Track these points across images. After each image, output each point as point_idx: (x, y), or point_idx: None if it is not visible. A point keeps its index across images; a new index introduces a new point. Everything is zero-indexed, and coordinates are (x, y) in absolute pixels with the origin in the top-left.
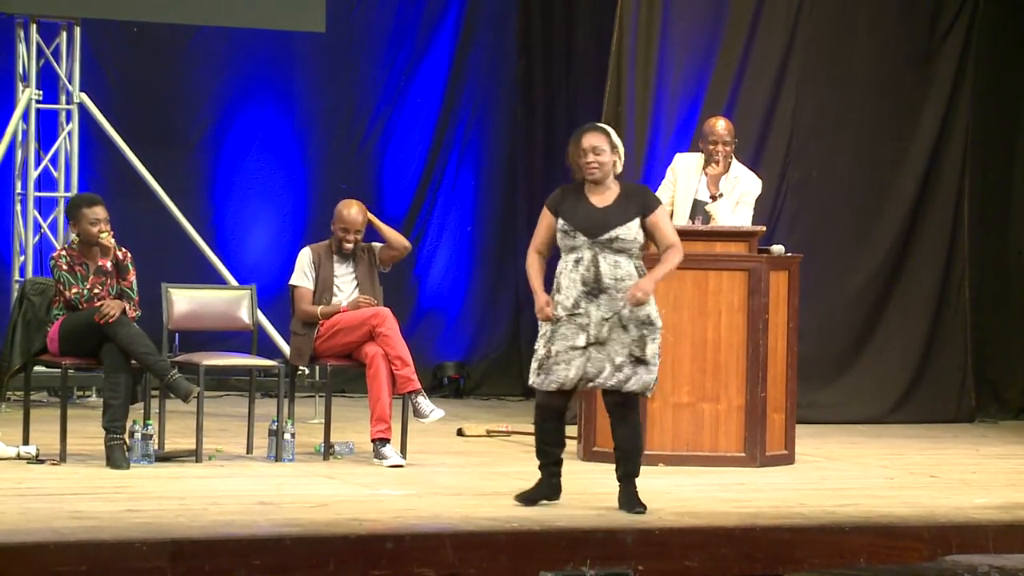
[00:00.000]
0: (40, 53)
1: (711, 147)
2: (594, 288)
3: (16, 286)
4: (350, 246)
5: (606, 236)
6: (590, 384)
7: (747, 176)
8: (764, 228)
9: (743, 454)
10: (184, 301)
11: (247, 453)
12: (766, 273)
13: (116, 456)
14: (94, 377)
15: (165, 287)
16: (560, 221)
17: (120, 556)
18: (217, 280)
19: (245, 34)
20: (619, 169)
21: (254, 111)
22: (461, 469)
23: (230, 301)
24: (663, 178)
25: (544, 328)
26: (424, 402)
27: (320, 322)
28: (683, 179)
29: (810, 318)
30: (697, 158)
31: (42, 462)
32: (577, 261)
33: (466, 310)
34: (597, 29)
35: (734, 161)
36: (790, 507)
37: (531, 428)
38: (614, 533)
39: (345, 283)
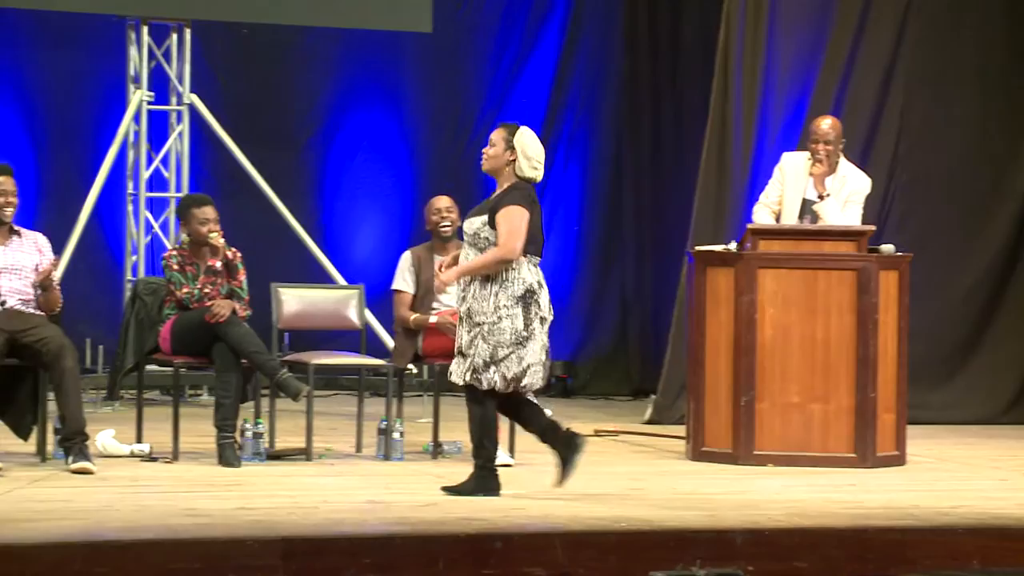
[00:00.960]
0: (151, 55)
1: (814, 146)
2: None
3: (128, 286)
4: (448, 229)
5: (465, 230)
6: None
7: (855, 175)
8: (874, 227)
9: (853, 455)
10: (293, 301)
11: (356, 452)
12: (876, 273)
13: (228, 454)
14: (206, 376)
15: (274, 287)
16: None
17: (232, 554)
18: (326, 280)
19: (353, 35)
20: (524, 172)
21: (362, 111)
22: None
23: (339, 301)
24: (770, 176)
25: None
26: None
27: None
28: (791, 178)
29: (920, 318)
30: (805, 157)
31: (155, 460)
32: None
33: (573, 310)
34: (704, 26)
35: (842, 160)
36: (902, 508)
37: (641, 428)
38: (724, 533)
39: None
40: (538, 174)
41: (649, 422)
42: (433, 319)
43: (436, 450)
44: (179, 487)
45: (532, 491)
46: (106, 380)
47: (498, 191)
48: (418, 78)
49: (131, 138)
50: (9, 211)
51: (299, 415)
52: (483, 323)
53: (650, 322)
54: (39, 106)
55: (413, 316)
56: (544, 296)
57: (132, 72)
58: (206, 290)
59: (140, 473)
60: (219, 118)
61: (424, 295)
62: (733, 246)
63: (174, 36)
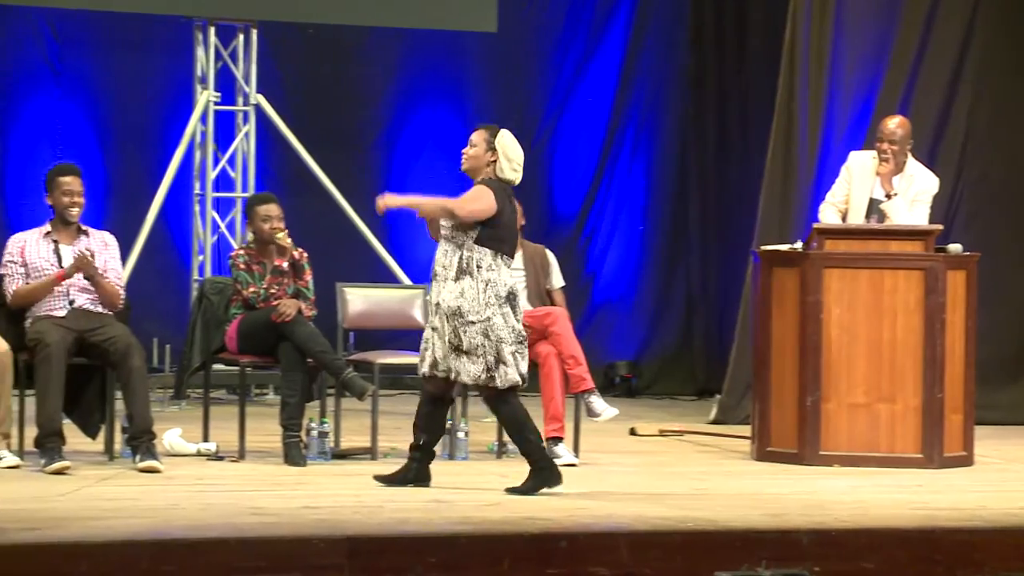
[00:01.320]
0: (218, 55)
1: (880, 145)
2: (432, 274)
3: (195, 286)
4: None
5: (442, 223)
6: (440, 371)
7: (923, 174)
8: (941, 227)
9: (920, 455)
10: (359, 300)
11: None
12: (943, 272)
13: (293, 453)
14: (271, 375)
15: (340, 286)
16: None
17: (298, 552)
18: (391, 279)
19: (417, 34)
20: (504, 174)
21: (426, 110)
22: (634, 468)
23: (404, 300)
24: (837, 175)
25: None
26: (598, 401)
27: None
28: (858, 178)
29: (987, 319)
30: (872, 156)
31: (221, 459)
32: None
33: (638, 309)
34: (769, 24)
35: (910, 159)
36: (970, 509)
37: (706, 428)
38: (789, 533)
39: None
40: (517, 177)
41: (714, 422)
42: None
43: (500, 449)
44: (245, 486)
45: (597, 491)
46: (173, 379)
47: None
48: (482, 77)
49: (198, 138)
50: (76, 211)
51: (364, 414)
52: (477, 321)
53: (715, 322)
54: (107, 106)
55: None
56: (519, 304)
57: (199, 73)
58: (272, 290)
59: (206, 472)
60: (285, 118)
61: None
62: (799, 245)
63: (241, 37)
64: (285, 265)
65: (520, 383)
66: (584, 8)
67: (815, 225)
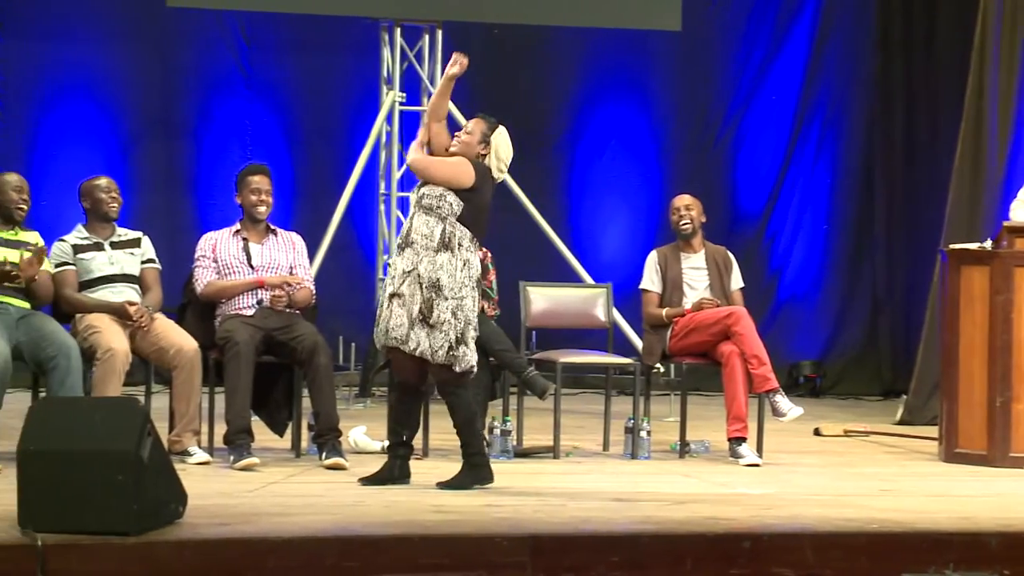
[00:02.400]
0: (403, 56)
1: None
2: (403, 241)
3: (380, 284)
4: (688, 226)
5: (419, 191)
6: (391, 339)
7: None
8: None
9: None
10: (541, 299)
11: (603, 450)
12: None
13: None
14: None
15: (523, 285)
16: None
17: (481, 550)
18: (573, 278)
19: (601, 33)
20: (492, 170)
21: (609, 110)
22: (819, 469)
23: (586, 299)
24: None
25: None
26: (783, 400)
27: (674, 321)
28: None
29: None
30: None
31: None
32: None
33: (822, 309)
34: (959, 24)
35: None
36: None
37: (892, 428)
38: (978, 536)
39: (696, 280)
40: (501, 177)
41: (900, 422)
42: (688, 305)
43: (683, 449)
44: (429, 483)
45: (781, 491)
46: (358, 377)
47: None
48: (665, 76)
49: (383, 139)
50: (263, 209)
51: (546, 413)
52: (451, 298)
53: (902, 321)
54: (295, 108)
55: (666, 311)
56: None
57: (385, 73)
58: None
59: None
60: (468, 118)
61: (672, 292)
62: (988, 244)
63: (426, 37)
64: None
65: (473, 370)
66: (769, 7)
67: (1005, 223)
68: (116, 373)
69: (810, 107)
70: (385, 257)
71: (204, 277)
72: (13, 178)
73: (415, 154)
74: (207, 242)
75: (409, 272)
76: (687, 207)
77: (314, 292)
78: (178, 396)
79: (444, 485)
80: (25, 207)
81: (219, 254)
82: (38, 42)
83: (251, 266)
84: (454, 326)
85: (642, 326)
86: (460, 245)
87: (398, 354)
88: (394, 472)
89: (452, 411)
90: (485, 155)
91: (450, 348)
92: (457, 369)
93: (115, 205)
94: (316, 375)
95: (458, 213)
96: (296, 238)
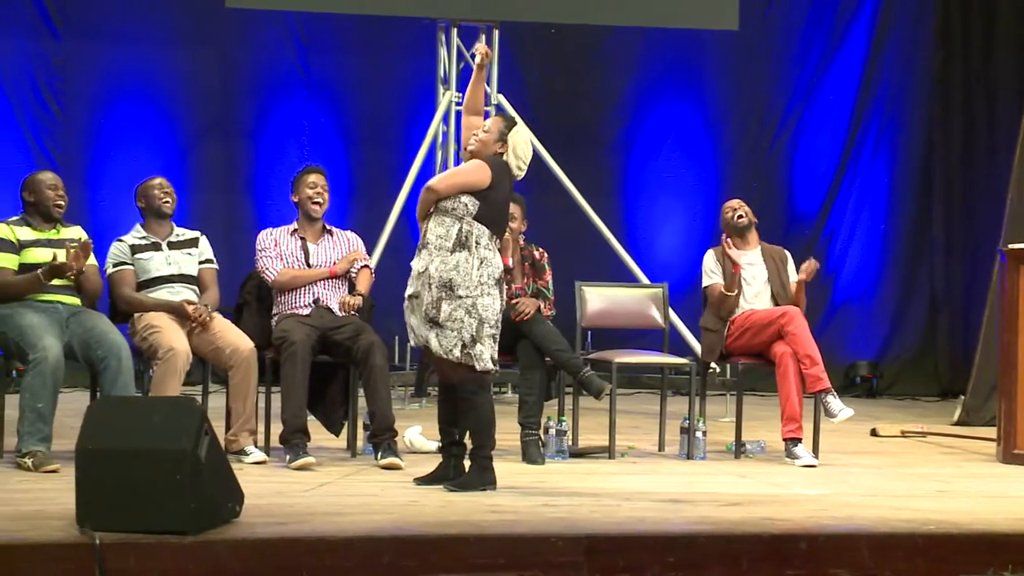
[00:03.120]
0: (460, 56)
1: None
2: (421, 243)
3: None
4: (743, 218)
5: None
6: (419, 340)
7: None
8: None
9: None
10: (597, 299)
11: (659, 450)
12: None
13: (531, 451)
14: (510, 374)
15: (578, 285)
16: None
17: (537, 550)
18: (629, 278)
19: (657, 33)
20: (513, 170)
21: (666, 109)
22: (876, 470)
23: (642, 299)
24: None
25: None
26: (834, 401)
27: (731, 320)
28: None
29: None
30: None
31: None
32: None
33: (878, 309)
34: (1018, 21)
35: None
36: None
37: (949, 429)
38: None
39: (753, 276)
40: (520, 174)
41: (958, 423)
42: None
43: (739, 449)
44: None
45: (837, 492)
46: (414, 377)
47: None
48: (722, 75)
49: (439, 139)
50: (319, 207)
51: (602, 413)
52: (465, 296)
53: (960, 321)
54: (352, 107)
55: (732, 291)
56: (503, 289)
57: (441, 73)
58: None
59: None
60: (525, 117)
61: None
62: None
63: (483, 37)
64: (510, 263)
65: (494, 370)
66: (827, 6)
67: None
68: (176, 373)
69: (868, 106)
70: None
71: (274, 266)
72: (48, 176)
73: (435, 183)
74: (268, 237)
75: (422, 272)
76: (739, 203)
77: (372, 271)
78: (234, 396)
79: (452, 486)
80: (63, 203)
81: (279, 248)
82: (97, 43)
83: (308, 264)
84: (467, 324)
85: (700, 324)
86: (478, 243)
87: (432, 354)
88: (449, 471)
89: (467, 411)
90: (502, 152)
91: (464, 347)
92: (477, 368)
93: (169, 200)
94: (372, 375)
95: (474, 213)
96: (352, 235)
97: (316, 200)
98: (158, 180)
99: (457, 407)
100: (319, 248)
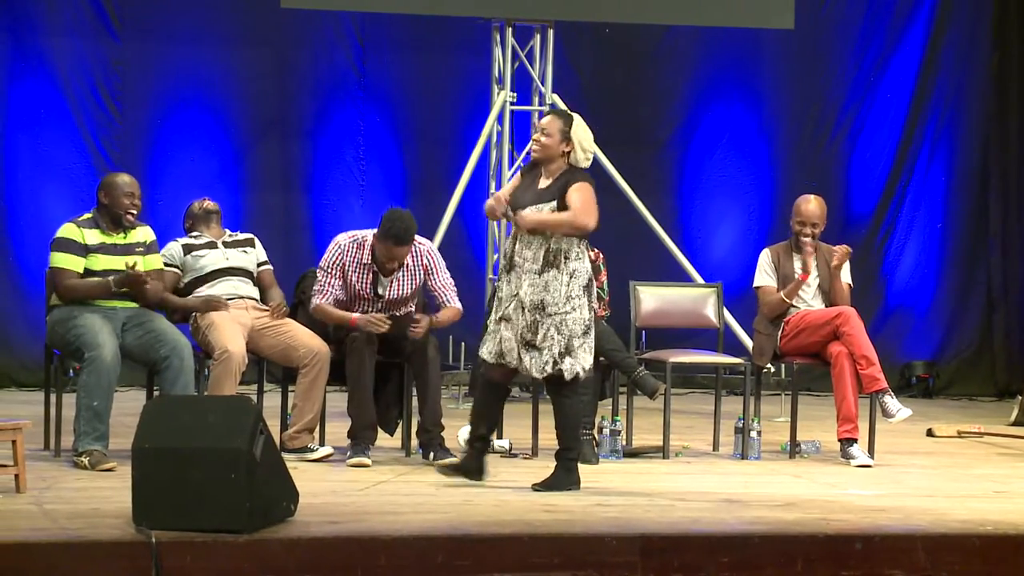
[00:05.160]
0: (515, 56)
1: None
2: (507, 264)
3: (489, 284)
4: (808, 238)
5: (525, 215)
6: (505, 360)
7: None
8: None
9: None
10: (651, 299)
11: (713, 450)
12: None
13: (586, 451)
14: None
15: (633, 285)
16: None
17: (591, 549)
18: (684, 278)
19: (712, 32)
20: (579, 163)
21: (721, 109)
22: (931, 470)
23: (696, 299)
24: None
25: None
26: (892, 401)
27: (785, 320)
28: None
29: None
30: None
31: (515, 456)
32: (510, 236)
33: (935, 309)
34: None
35: None
36: None
37: (1006, 430)
38: None
39: (811, 279)
40: (589, 163)
41: (1015, 423)
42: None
43: (793, 449)
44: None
45: (893, 492)
46: (467, 376)
47: (550, 177)
48: (778, 75)
49: (494, 138)
50: (393, 269)
51: (656, 413)
52: (555, 314)
53: (1017, 321)
54: (407, 107)
55: (782, 292)
56: (593, 291)
57: (496, 73)
58: None
59: (500, 469)
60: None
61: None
62: None
63: (537, 37)
64: None
65: (582, 376)
66: (884, 5)
67: None
68: (231, 374)
69: (925, 105)
70: (495, 256)
71: (318, 297)
72: (125, 180)
73: (586, 222)
74: (336, 255)
75: (514, 296)
76: (814, 224)
77: (460, 309)
78: (304, 395)
79: (539, 486)
80: (136, 211)
81: (347, 276)
82: (155, 44)
83: (377, 294)
84: (557, 341)
85: (752, 326)
86: (566, 259)
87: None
88: (470, 464)
89: (557, 413)
90: (569, 151)
91: (554, 363)
92: (566, 377)
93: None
94: (424, 367)
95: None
96: (431, 255)
97: (392, 267)
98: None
99: (554, 407)
100: (391, 281)
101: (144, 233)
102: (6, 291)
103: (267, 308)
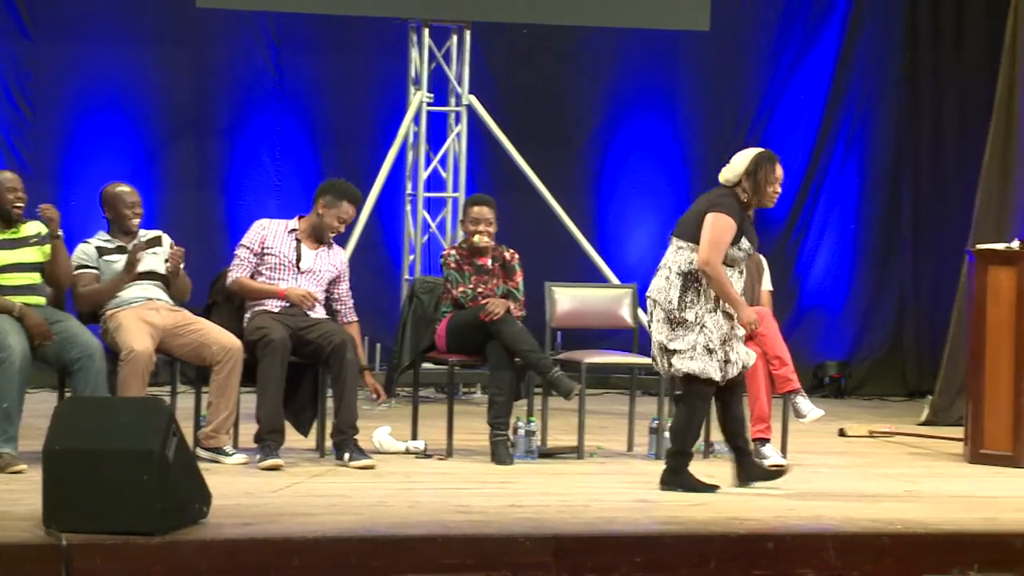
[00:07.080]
0: (431, 56)
1: None
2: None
3: (406, 284)
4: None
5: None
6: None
7: None
8: None
9: None
10: (567, 299)
11: (628, 451)
12: None
13: (500, 452)
14: (479, 374)
15: (548, 286)
16: (743, 240)
17: (505, 550)
18: (599, 279)
19: (630, 33)
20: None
21: (638, 110)
22: (843, 470)
23: (612, 300)
24: None
25: (708, 326)
26: (804, 402)
27: None
28: None
29: None
30: None
31: (429, 456)
32: (740, 272)
33: (848, 309)
34: (989, 17)
35: None
36: None
37: (917, 429)
38: (1002, 537)
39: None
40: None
41: (926, 423)
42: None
43: (708, 450)
44: (452, 484)
45: (805, 491)
46: (383, 377)
47: (707, 194)
48: (693, 77)
49: (411, 139)
50: (336, 232)
51: (571, 413)
52: (687, 321)
53: (927, 321)
54: (323, 106)
55: None
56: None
57: (412, 74)
58: (479, 289)
59: (414, 469)
60: (496, 118)
61: None
62: (1016, 244)
63: (454, 37)
64: (490, 263)
65: (705, 376)
66: (800, 6)
67: None
68: (138, 374)
69: (838, 106)
70: (411, 257)
71: (237, 271)
72: (7, 176)
73: (700, 260)
74: (257, 233)
75: (655, 301)
76: None
77: (358, 322)
78: (219, 392)
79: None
80: (22, 204)
81: (267, 246)
82: (69, 42)
83: (298, 268)
84: (686, 343)
85: None
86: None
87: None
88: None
89: (677, 412)
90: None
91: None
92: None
93: (137, 220)
94: (342, 370)
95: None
96: (343, 261)
97: (338, 231)
98: (126, 190)
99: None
100: (315, 256)
101: (36, 226)
102: None
103: (179, 308)
